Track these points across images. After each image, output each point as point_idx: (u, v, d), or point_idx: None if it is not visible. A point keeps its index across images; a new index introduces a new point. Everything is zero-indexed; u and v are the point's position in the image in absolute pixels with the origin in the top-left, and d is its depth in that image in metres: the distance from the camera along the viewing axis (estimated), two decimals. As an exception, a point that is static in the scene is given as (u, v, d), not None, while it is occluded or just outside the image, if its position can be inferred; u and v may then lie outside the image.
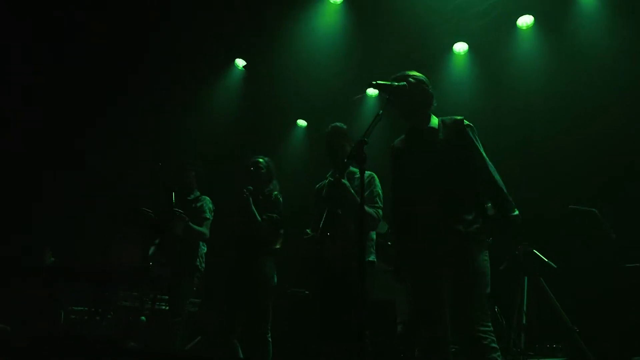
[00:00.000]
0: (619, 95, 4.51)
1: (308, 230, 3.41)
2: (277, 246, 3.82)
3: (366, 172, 3.49)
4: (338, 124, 3.43)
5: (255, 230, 3.67)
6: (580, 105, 4.73)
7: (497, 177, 2.31)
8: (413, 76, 2.41)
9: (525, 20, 5.03)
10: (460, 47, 5.45)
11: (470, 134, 2.36)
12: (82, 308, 4.48)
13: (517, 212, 2.26)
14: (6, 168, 4.45)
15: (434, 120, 2.45)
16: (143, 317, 3.74)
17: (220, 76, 5.94)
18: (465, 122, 2.39)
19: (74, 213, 4.52)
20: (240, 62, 5.95)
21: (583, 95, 4.70)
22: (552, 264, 3.81)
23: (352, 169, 3.55)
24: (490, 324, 2.11)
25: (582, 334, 3.52)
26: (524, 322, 3.67)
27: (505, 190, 2.28)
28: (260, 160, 3.85)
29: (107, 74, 4.96)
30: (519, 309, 3.76)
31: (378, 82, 2.31)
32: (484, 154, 2.35)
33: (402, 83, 2.33)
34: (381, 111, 2.25)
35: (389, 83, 2.33)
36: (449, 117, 2.45)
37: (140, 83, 5.14)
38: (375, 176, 3.42)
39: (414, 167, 2.39)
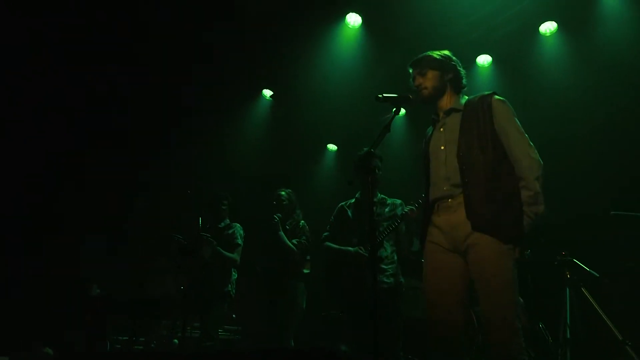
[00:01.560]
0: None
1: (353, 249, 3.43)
2: (306, 270, 3.89)
3: (397, 200, 3.57)
4: (366, 148, 3.51)
5: (285, 256, 3.79)
6: (609, 109, 4.54)
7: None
8: (429, 57, 2.38)
9: (549, 27, 4.93)
10: (484, 60, 5.41)
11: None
12: (126, 338, 4.64)
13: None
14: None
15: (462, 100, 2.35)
16: (175, 340, 3.82)
17: (249, 106, 6.16)
18: (496, 96, 2.25)
19: (112, 244, 4.74)
20: (267, 92, 6.15)
21: (611, 99, 4.52)
22: (595, 273, 3.59)
23: (380, 195, 3.60)
24: None
25: (636, 347, 3.25)
26: (568, 336, 3.44)
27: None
28: (282, 193, 4.08)
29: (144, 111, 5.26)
30: (563, 323, 3.54)
31: (384, 95, 2.33)
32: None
33: (403, 95, 2.34)
34: (388, 123, 2.29)
35: (394, 95, 2.34)
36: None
37: (174, 116, 5.40)
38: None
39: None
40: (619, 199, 4.14)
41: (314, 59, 5.40)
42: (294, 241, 3.91)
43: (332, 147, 7.01)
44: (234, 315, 4.85)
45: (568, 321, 3.49)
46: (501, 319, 1.95)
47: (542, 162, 2.10)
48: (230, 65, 5.38)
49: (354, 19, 5.11)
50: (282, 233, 3.90)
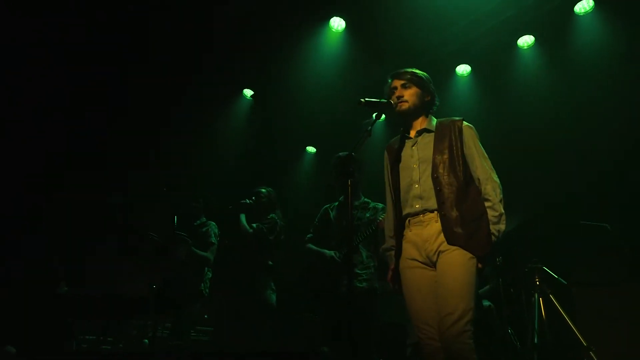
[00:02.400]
0: (620, 110, 4.49)
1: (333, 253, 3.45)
2: (270, 262, 3.88)
3: (379, 204, 3.60)
4: (342, 152, 3.53)
5: (245, 242, 3.79)
6: (582, 120, 4.71)
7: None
8: (415, 74, 2.44)
9: (526, 40, 5.09)
10: (464, 69, 5.53)
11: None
12: (93, 337, 4.51)
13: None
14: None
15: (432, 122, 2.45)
16: (146, 340, 3.74)
17: (230, 105, 6.11)
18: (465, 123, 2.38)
19: (82, 241, 4.62)
20: (248, 92, 6.11)
21: (585, 111, 4.69)
22: (563, 280, 3.70)
23: (364, 199, 3.62)
24: None
25: (600, 353, 3.36)
26: (536, 341, 3.53)
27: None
28: (262, 190, 4.04)
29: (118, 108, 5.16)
30: (531, 329, 3.63)
31: (366, 99, 2.36)
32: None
33: (385, 100, 2.39)
34: (370, 128, 2.31)
35: (377, 100, 2.37)
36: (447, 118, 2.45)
37: (152, 113, 5.31)
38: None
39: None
40: (593, 209, 4.30)
41: (296, 61, 5.41)
42: (254, 225, 3.90)
43: (311, 149, 7.02)
44: (206, 316, 4.78)
45: (536, 327, 3.58)
46: (453, 321, 2.02)
47: (501, 186, 2.28)
48: (211, 64, 5.34)
49: (337, 23, 5.14)
50: (243, 216, 3.89)
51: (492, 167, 2.32)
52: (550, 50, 4.94)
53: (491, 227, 2.18)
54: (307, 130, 6.54)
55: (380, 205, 3.58)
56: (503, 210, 2.21)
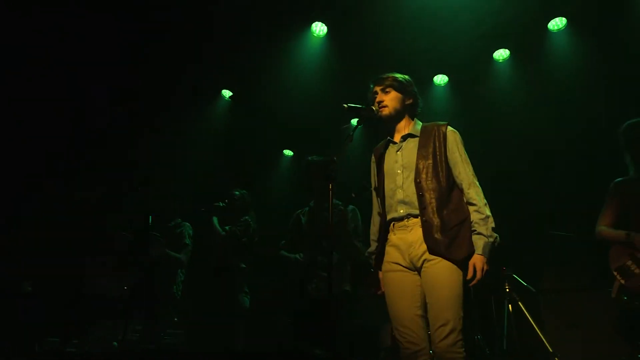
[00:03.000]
0: (590, 125, 4.67)
1: (296, 256, 3.46)
2: (243, 265, 3.87)
3: (350, 205, 3.64)
4: (314, 157, 3.56)
5: (218, 244, 3.78)
6: (556, 131, 4.88)
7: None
8: (395, 78, 2.45)
9: (502, 54, 5.24)
10: (441, 79, 5.64)
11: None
12: (57, 339, 4.36)
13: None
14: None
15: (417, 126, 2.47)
16: (115, 343, 3.65)
17: (207, 106, 6.04)
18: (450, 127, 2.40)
19: (50, 240, 4.47)
20: (227, 93, 6.06)
21: (558, 123, 4.86)
22: (532, 288, 3.81)
23: (335, 201, 3.63)
24: None
25: (566, 358, 3.48)
26: (505, 347, 3.63)
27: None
28: (236, 192, 4.02)
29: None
30: (500, 335, 3.72)
31: (349, 105, 2.37)
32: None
33: (366, 107, 2.42)
34: (351, 133, 2.34)
35: (359, 106, 2.40)
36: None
37: (132, 113, 5.21)
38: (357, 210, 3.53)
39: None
40: (565, 218, 4.43)
41: (276, 64, 5.40)
42: (227, 228, 3.89)
43: (288, 152, 7.01)
44: (175, 319, 4.70)
45: (505, 333, 3.67)
46: (447, 333, 2.07)
47: (482, 195, 2.28)
48: (191, 66, 5.28)
49: (319, 28, 5.16)
50: (215, 218, 3.88)
51: (474, 173, 2.34)
52: (525, 65, 5.09)
53: (479, 228, 2.18)
54: (285, 134, 6.53)
55: (350, 207, 3.61)
56: (489, 213, 2.23)
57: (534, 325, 3.60)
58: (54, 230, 4.49)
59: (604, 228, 3.08)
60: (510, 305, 3.80)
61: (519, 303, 3.73)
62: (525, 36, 4.94)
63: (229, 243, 3.88)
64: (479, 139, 5.18)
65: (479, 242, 2.16)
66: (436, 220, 2.20)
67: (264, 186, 6.66)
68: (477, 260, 2.14)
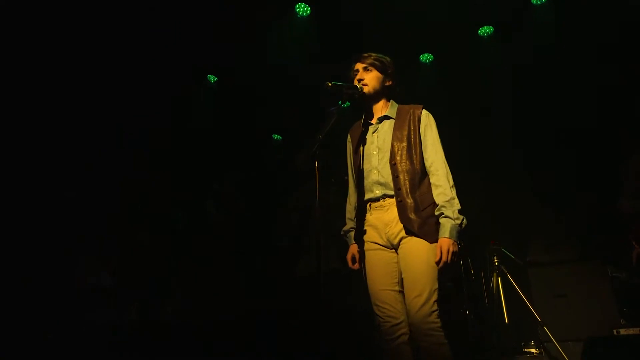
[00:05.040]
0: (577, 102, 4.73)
1: None
2: None
3: None
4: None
5: None
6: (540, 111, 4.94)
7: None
8: (377, 57, 2.44)
9: (486, 30, 5.24)
10: (427, 58, 5.65)
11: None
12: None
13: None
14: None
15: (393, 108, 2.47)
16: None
17: (195, 90, 5.96)
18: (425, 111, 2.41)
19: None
20: (212, 78, 5.99)
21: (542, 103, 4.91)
22: (520, 260, 3.89)
23: None
24: None
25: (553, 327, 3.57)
26: (494, 319, 3.72)
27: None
28: None
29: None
30: (489, 308, 3.82)
31: (333, 83, 2.36)
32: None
33: (351, 85, 2.41)
34: (333, 108, 2.33)
35: (343, 84, 2.38)
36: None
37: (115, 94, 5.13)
38: None
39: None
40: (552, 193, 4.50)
41: (260, 46, 5.34)
42: None
43: (276, 136, 6.98)
44: None
45: (494, 305, 3.76)
46: (422, 303, 2.10)
47: (449, 176, 2.30)
48: (174, 48, 5.18)
49: (303, 9, 5.11)
50: None
51: (444, 157, 2.35)
52: (508, 41, 5.10)
53: (445, 211, 2.20)
54: (271, 118, 6.48)
55: None
56: (455, 196, 2.25)
57: (523, 297, 3.69)
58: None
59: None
60: (499, 278, 3.88)
61: (508, 275, 3.81)
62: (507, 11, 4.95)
63: None
64: (465, 114, 5.26)
65: (446, 225, 2.17)
66: (410, 201, 2.24)
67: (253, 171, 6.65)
68: (444, 243, 2.14)
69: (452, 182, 2.30)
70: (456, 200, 2.24)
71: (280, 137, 6.93)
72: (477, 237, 4.19)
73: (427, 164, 2.34)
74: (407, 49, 5.35)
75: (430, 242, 2.19)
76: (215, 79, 5.98)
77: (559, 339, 3.50)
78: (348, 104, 2.57)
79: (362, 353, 3.66)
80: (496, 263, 3.92)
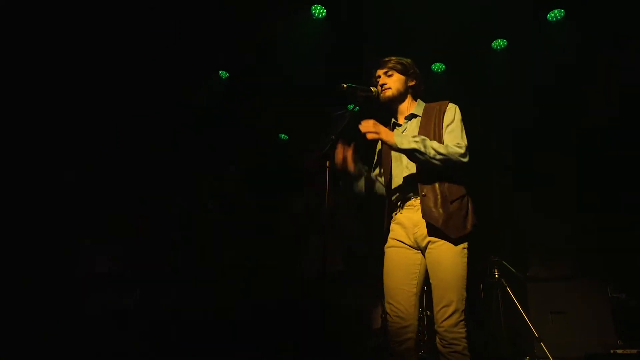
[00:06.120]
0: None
1: None
2: None
3: None
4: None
5: None
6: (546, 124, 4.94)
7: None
8: (397, 60, 2.47)
9: (499, 44, 5.25)
10: (439, 67, 5.66)
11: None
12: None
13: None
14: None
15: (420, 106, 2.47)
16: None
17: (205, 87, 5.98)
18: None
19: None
20: (224, 73, 6.01)
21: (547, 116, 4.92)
22: (520, 275, 3.90)
23: None
24: None
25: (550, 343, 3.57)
26: (493, 332, 3.72)
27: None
28: None
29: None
30: (488, 320, 3.82)
31: (348, 84, 2.37)
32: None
33: (366, 87, 2.43)
34: (340, 112, 2.35)
35: (359, 86, 2.40)
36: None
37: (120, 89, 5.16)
38: None
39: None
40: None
41: (274, 47, 5.36)
42: None
43: (284, 136, 6.99)
44: None
45: (493, 318, 3.76)
46: (450, 313, 2.10)
47: (465, 158, 2.23)
48: (187, 44, 5.21)
49: (319, 11, 5.14)
50: None
51: (464, 141, 2.27)
52: (522, 55, 5.11)
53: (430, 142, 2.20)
54: (281, 118, 6.50)
55: None
56: (445, 153, 2.19)
57: (521, 311, 3.69)
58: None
59: None
60: (498, 291, 3.89)
61: (507, 289, 3.81)
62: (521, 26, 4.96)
63: None
64: (475, 125, 5.27)
65: (409, 138, 2.20)
66: (434, 195, 2.23)
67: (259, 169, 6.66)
68: (382, 128, 2.20)
69: (460, 150, 2.21)
70: (438, 156, 2.18)
71: (287, 137, 6.96)
72: (478, 250, 4.18)
73: (449, 143, 2.27)
74: (419, 57, 5.37)
75: (456, 238, 2.16)
76: (227, 74, 6.01)
77: (555, 355, 3.50)
78: (357, 108, 2.59)
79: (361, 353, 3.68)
80: (496, 276, 3.92)
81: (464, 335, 2.08)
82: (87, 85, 4.77)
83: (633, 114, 4.80)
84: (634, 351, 3.25)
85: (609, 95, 4.81)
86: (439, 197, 2.22)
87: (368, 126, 2.20)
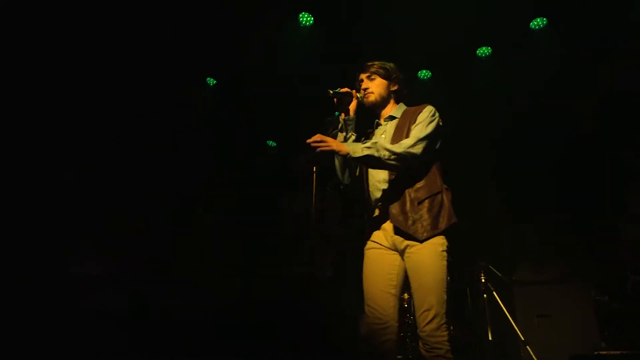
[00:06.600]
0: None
1: None
2: None
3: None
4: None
5: None
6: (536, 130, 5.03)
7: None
8: (380, 65, 2.49)
9: (484, 51, 5.34)
10: (425, 74, 5.73)
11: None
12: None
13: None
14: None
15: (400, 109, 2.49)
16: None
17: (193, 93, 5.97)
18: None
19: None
20: (211, 80, 6.01)
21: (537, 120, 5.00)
22: (507, 279, 3.94)
23: None
24: None
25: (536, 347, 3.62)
26: (479, 336, 3.76)
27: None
28: None
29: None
30: (475, 324, 3.85)
31: (334, 90, 2.43)
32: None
33: (351, 93, 2.47)
34: (330, 118, 2.39)
35: (344, 91, 2.45)
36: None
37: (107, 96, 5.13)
38: None
39: None
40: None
41: (262, 53, 5.38)
42: None
43: (271, 143, 7.00)
44: None
45: (479, 321, 3.79)
46: (432, 317, 2.10)
47: (416, 155, 2.22)
48: (173, 52, 5.21)
49: (306, 19, 5.18)
50: None
51: (423, 139, 2.24)
52: (508, 62, 5.20)
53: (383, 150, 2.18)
54: (268, 124, 6.51)
55: None
56: (397, 152, 2.18)
57: (508, 315, 3.73)
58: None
59: None
60: (485, 295, 3.92)
61: (494, 293, 3.85)
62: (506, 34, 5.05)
63: None
64: (457, 132, 5.33)
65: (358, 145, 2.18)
66: (402, 198, 2.24)
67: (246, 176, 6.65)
68: (331, 140, 2.17)
69: (405, 149, 2.20)
70: (388, 154, 2.17)
71: (275, 144, 6.97)
72: (465, 254, 4.23)
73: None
74: (405, 65, 5.43)
75: (424, 239, 2.16)
76: (214, 82, 6.02)
77: (541, 358, 3.54)
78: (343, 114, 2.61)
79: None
80: (483, 280, 3.96)
81: (446, 338, 2.09)
82: (87, 85, 4.74)
83: (614, 120, 4.92)
84: (617, 352, 3.31)
85: (593, 102, 4.91)
86: (407, 199, 2.23)
87: (317, 139, 2.17)
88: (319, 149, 2.14)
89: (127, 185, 4.74)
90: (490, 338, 3.80)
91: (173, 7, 4.74)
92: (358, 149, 2.17)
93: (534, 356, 3.56)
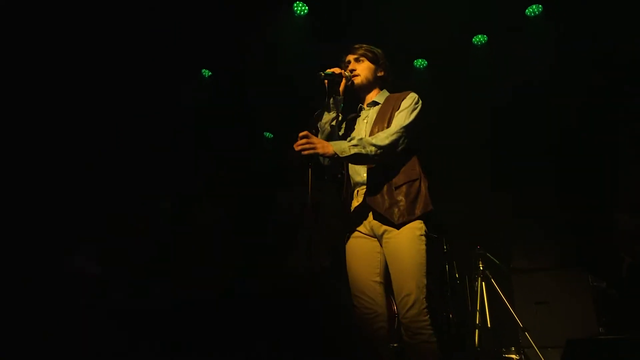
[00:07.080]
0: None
1: None
2: None
3: None
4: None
5: None
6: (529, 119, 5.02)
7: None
8: (368, 48, 2.46)
9: (480, 39, 5.32)
10: (421, 63, 5.70)
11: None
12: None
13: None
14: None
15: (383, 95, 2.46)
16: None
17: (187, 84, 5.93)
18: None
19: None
20: (206, 71, 5.98)
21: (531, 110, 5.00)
22: (504, 266, 3.96)
23: None
24: None
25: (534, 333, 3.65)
26: (477, 321, 3.78)
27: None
28: None
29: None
30: (474, 310, 3.88)
31: (325, 72, 2.34)
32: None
33: (341, 74, 2.38)
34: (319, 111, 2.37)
35: (334, 73, 2.36)
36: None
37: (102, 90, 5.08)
38: None
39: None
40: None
41: (256, 44, 5.35)
42: None
43: (268, 135, 6.98)
44: None
45: (478, 309, 3.82)
46: (412, 302, 2.08)
47: (399, 143, 2.20)
48: (168, 42, 5.16)
49: (300, 8, 5.14)
50: None
51: (406, 124, 2.23)
52: (503, 51, 5.17)
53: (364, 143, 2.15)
54: (265, 115, 6.48)
55: None
56: (380, 145, 2.16)
57: (506, 302, 3.76)
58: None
59: None
60: (483, 283, 3.94)
61: (492, 280, 3.87)
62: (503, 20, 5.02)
63: None
64: (453, 120, 5.33)
65: (348, 144, 2.13)
66: (380, 182, 2.22)
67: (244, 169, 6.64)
68: (317, 141, 2.10)
69: (387, 142, 2.18)
70: (371, 148, 2.15)
71: (272, 135, 6.95)
72: (462, 242, 4.26)
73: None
74: (402, 53, 5.40)
75: (399, 223, 2.14)
76: (210, 73, 5.98)
77: (540, 345, 3.56)
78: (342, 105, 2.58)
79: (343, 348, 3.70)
80: (481, 268, 3.98)
81: (428, 322, 2.07)
82: (87, 85, 4.71)
83: (610, 111, 4.92)
84: (615, 337, 3.33)
85: (587, 93, 4.91)
86: (384, 183, 2.21)
87: (302, 143, 2.08)
88: (304, 152, 2.08)
89: (127, 185, 4.72)
90: (489, 325, 3.82)
91: (173, 7, 4.72)
92: (345, 148, 2.12)
93: (532, 342, 3.59)
